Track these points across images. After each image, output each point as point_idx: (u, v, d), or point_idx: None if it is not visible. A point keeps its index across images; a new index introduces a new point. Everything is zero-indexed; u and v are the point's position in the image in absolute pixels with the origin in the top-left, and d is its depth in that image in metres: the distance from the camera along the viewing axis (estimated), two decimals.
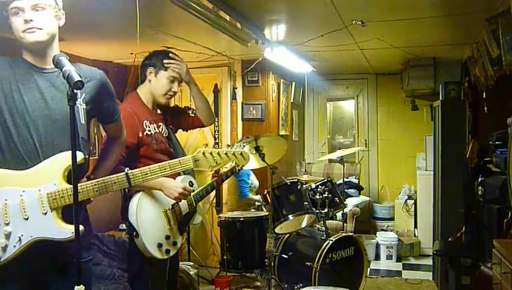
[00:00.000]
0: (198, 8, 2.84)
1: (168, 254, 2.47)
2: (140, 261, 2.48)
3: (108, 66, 4.74)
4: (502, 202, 3.21)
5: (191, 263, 4.41)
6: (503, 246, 2.52)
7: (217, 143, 5.03)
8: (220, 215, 4.23)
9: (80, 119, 1.82)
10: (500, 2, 2.88)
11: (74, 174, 1.57)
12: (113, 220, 4.39)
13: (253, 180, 4.70)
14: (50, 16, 1.77)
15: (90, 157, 2.02)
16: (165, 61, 2.65)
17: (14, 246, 1.68)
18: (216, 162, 1.92)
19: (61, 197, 1.71)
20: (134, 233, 2.38)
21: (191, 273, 4.06)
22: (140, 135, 2.51)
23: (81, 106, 1.84)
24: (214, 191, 4.84)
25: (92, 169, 2.05)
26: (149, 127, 2.57)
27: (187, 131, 3.08)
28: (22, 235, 1.69)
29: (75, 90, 1.56)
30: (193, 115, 2.94)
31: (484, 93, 3.99)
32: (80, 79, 1.55)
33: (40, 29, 1.74)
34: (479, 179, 3.76)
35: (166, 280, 2.62)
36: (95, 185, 1.80)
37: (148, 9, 2.87)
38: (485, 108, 3.98)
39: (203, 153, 1.92)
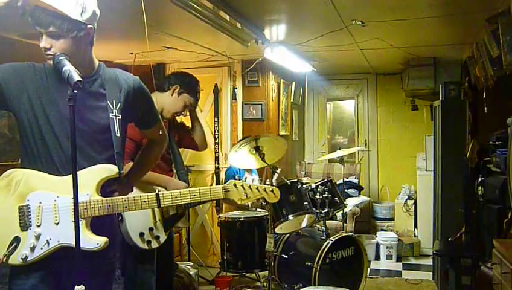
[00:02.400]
0: (198, 8, 2.84)
1: (149, 245, 2.54)
2: (126, 251, 2.55)
3: (108, 66, 4.74)
4: (502, 202, 3.21)
5: (191, 263, 4.42)
6: (503, 246, 2.52)
7: (217, 143, 5.03)
8: (220, 215, 4.24)
9: (114, 131, 1.81)
10: (500, 2, 2.88)
11: (75, 176, 1.56)
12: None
13: (251, 182, 4.66)
14: (68, 42, 1.71)
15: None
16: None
17: (42, 248, 1.70)
18: (246, 195, 1.91)
19: (92, 207, 1.73)
20: (120, 217, 2.44)
21: (191, 273, 4.06)
22: None
23: (116, 117, 1.83)
24: None
25: (128, 171, 2.04)
26: None
27: (183, 149, 3.28)
28: (50, 238, 1.71)
29: (75, 91, 1.54)
30: (192, 137, 3.16)
31: (484, 93, 3.99)
32: (79, 79, 1.53)
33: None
34: (479, 179, 3.75)
35: (154, 274, 2.69)
36: (125, 201, 1.80)
37: (148, 9, 2.87)
38: (485, 108, 3.98)
39: (235, 185, 1.90)
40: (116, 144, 1.82)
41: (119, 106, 1.85)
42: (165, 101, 2.84)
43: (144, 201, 1.84)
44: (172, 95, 2.84)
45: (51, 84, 1.77)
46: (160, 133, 2.13)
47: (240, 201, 1.92)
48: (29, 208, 1.72)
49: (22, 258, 1.69)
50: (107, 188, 1.82)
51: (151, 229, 2.55)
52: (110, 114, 1.81)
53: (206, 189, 1.90)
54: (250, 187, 1.91)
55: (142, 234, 2.51)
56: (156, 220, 2.57)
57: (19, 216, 1.71)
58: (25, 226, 1.71)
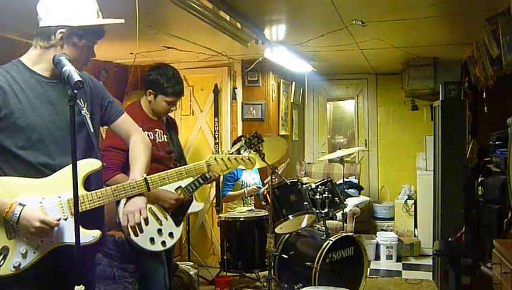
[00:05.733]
0: (198, 8, 2.84)
1: (164, 246, 2.59)
2: (139, 257, 2.61)
3: (108, 66, 4.74)
4: (502, 202, 3.21)
5: (191, 263, 4.42)
6: (503, 246, 2.52)
7: (217, 143, 5.03)
8: (220, 215, 4.24)
9: (89, 127, 1.85)
10: (500, 2, 2.88)
11: (75, 175, 1.56)
12: (113, 220, 4.38)
13: (246, 180, 4.65)
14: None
15: None
16: None
17: (34, 253, 1.70)
18: (226, 166, 2.04)
19: (82, 202, 1.73)
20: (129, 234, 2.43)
21: (191, 273, 4.06)
22: None
23: (87, 115, 1.86)
24: (214, 191, 4.91)
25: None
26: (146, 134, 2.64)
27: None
28: (41, 241, 1.70)
29: (75, 91, 1.55)
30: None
31: (484, 93, 3.99)
32: (79, 79, 1.56)
33: None
34: (479, 179, 3.76)
35: (167, 270, 2.74)
36: (115, 190, 1.82)
37: (148, 10, 2.87)
38: (485, 108, 3.98)
39: (215, 159, 2.03)
40: (94, 139, 1.87)
41: (87, 105, 1.90)
42: (150, 105, 2.82)
43: (134, 187, 1.86)
44: (150, 100, 2.81)
45: (26, 87, 1.76)
46: (132, 124, 2.12)
47: (221, 172, 2.08)
48: None
49: (14, 267, 1.66)
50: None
51: (159, 231, 2.57)
52: (82, 111, 1.85)
53: (190, 166, 2.00)
54: (229, 158, 2.05)
55: (152, 239, 2.54)
56: (160, 219, 2.60)
57: (4, 225, 1.68)
58: (11, 233, 1.69)
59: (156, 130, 2.80)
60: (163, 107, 2.82)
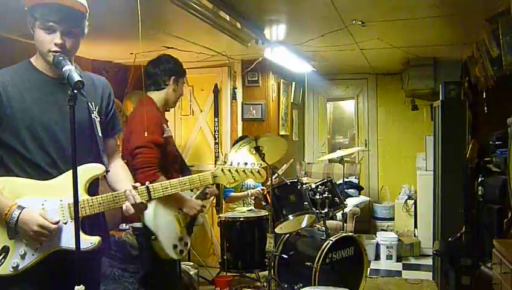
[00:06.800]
0: (198, 8, 2.84)
1: (181, 254, 2.60)
2: (154, 263, 2.61)
3: (108, 66, 4.74)
4: (502, 202, 3.21)
5: (191, 263, 4.41)
6: (503, 246, 2.52)
7: (217, 143, 5.03)
8: (220, 215, 4.23)
9: (97, 131, 1.82)
10: (500, 2, 2.88)
11: (75, 176, 1.56)
12: (113, 220, 4.39)
13: (247, 181, 4.65)
14: (78, 40, 1.79)
15: None
16: None
17: (33, 255, 1.68)
18: (234, 179, 1.96)
19: (82, 207, 1.71)
20: (153, 237, 2.46)
21: (191, 273, 4.07)
22: (164, 136, 2.65)
23: (96, 118, 1.84)
24: None
25: None
26: (166, 129, 2.70)
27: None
28: (40, 244, 1.69)
29: (75, 91, 1.54)
30: None
31: (484, 93, 3.99)
32: (80, 79, 1.54)
33: (67, 54, 1.72)
34: (479, 179, 3.75)
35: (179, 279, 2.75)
36: (116, 197, 1.80)
37: (148, 10, 2.86)
38: (485, 108, 3.98)
39: (222, 170, 1.94)
40: (100, 143, 1.83)
41: (97, 109, 1.87)
42: (167, 96, 2.80)
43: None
44: (173, 89, 2.81)
45: (32, 86, 1.75)
46: (117, 144, 2.08)
47: (228, 184, 1.98)
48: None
49: (13, 267, 1.65)
50: None
51: (181, 239, 2.59)
52: (92, 115, 1.82)
53: (195, 177, 1.93)
54: (237, 171, 1.95)
55: (175, 246, 2.54)
56: (182, 227, 2.61)
57: (6, 225, 1.67)
58: (12, 234, 1.67)
59: (168, 127, 2.82)
60: (181, 92, 2.88)
